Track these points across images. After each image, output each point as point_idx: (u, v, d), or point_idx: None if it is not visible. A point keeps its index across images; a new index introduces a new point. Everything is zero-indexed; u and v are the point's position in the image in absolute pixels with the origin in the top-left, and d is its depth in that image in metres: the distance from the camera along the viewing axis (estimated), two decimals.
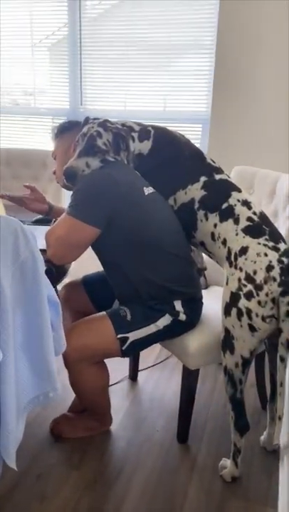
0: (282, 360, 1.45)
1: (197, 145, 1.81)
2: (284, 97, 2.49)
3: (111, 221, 1.51)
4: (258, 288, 1.45)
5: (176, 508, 1.52)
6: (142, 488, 1.60)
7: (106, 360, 1.70)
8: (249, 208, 1.59)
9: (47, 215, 1.86)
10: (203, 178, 1.64)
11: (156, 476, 1.65)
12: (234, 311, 1.49)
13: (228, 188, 1.64)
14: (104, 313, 1.63)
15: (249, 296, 1.46)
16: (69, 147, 1.70)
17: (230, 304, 1.50)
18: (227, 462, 1.65)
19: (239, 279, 1.49)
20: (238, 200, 1.59)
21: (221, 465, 1.67)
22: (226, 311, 1.52)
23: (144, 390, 2.16)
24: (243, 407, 1.58)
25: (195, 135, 2.81)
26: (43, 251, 1.30)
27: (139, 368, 2.24)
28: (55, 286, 1.69)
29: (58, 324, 1.29)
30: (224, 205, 1.59)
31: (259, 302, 1.45)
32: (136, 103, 2.94)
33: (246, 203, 1.59)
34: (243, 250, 1.51)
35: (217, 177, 1.65)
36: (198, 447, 1.80)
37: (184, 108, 2.82)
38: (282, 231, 1.80)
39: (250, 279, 1.47)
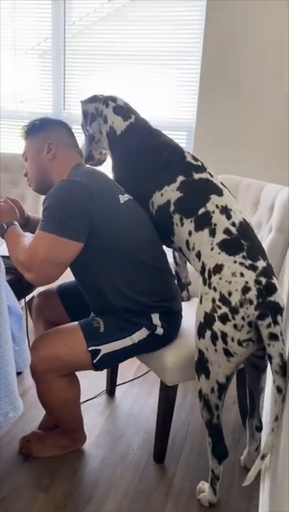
0: (280, 390, 1.26)
1: None
2: (270, 107, 2.46)
3: (88, 233, 1.42)
4: (234, 311, 1.33)
5: None
6: None
7: (83, 373, 1.60)
8: (228, 216, 1.43)
9: (22, 228, 1.70)
10: (180, 178, 1.50)
11: (129, 501, 1.55)
12: (208, 333, 1.37)
13: (208, 190, 1.48)
14: (76, 323, 1.54)
15: (224, 319, 1.34)
16: (41, 148, 1.60)
17: (204, 326, 1.39)
18: (205, 486, 1.56)
19: (213, 300, 1.37)
20: (217, 207, 1.44)
21: (199, 488, 1.58)
22: (200, 332, 1.41)
23: (122, 406, 2.06)
24: (221, 433, 1.47)
25: (180, 143, 2.74)
26: (5, 258, 1.21)
27: (117, 383, 2.14)
28: (24, 297, 1.61)
29: (22, 338, 1.19)
30: (201, 211, 1.45)
31: (235, 326, 1.33)
32: None
33: (226, 211, 1.43)
34: (218, 268, 1.37)
35: (196, 176, 1.50)
36: (175, 468, 1.70)
37: (169, 115, 2.75)
38: (265, 243, 1.72)
39: (225, 300, 1.35)
